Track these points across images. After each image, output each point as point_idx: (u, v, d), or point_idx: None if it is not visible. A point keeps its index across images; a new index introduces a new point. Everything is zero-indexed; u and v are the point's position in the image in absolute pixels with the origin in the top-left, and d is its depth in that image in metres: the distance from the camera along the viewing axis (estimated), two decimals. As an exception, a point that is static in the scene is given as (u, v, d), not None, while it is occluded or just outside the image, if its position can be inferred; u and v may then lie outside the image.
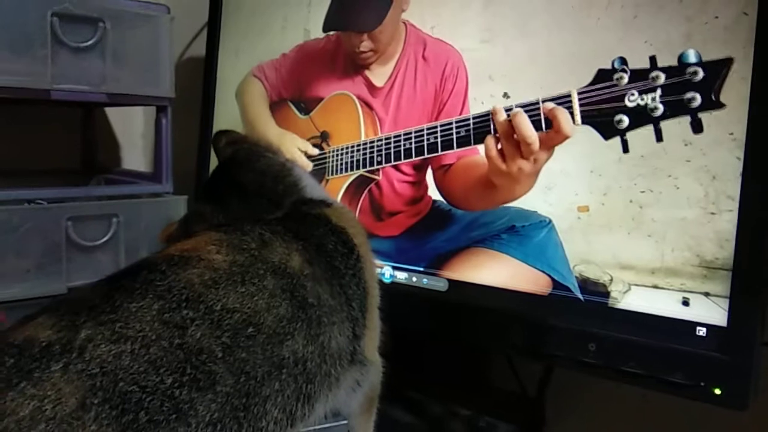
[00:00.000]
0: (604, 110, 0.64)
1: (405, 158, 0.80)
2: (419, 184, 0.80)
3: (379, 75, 0.84)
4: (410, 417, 0.83)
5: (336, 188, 0.88)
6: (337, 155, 0.89)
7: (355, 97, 0.87)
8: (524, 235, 0.70)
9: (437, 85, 0.78)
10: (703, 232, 0.59)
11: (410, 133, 0.80)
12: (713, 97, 0.57)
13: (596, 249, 0.65)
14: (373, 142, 0.84)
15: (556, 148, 0.67)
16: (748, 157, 0.56)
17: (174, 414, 0.39)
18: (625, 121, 0.62)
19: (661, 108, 0.60)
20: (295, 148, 0.94)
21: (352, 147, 0.87)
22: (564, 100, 0.66)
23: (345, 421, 0.64)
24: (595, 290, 0.65)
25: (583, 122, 0.65)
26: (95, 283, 0.45)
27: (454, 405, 0.86)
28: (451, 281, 0.76)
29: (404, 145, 0.80)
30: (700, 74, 0.58)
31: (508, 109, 0.70)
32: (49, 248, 0.83)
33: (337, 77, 0.89)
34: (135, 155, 1.22)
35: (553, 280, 0.68)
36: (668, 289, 0.61)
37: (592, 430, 0.91)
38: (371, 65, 0.85)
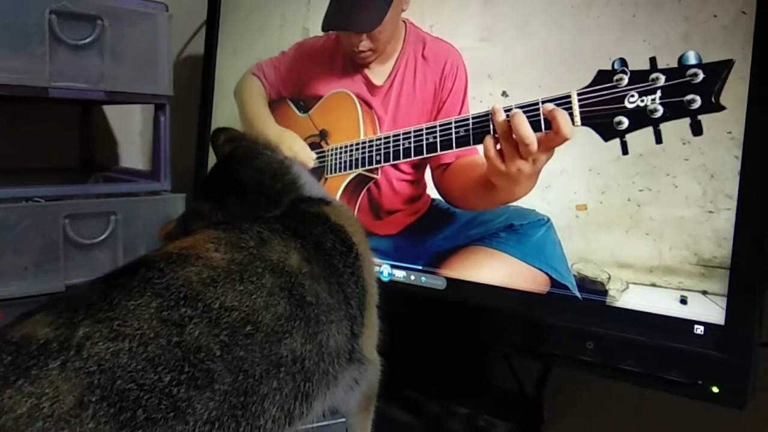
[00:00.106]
0: (604, 112, 0.64)
1: (404, 158, 0.80)
2: (418, 182, 0.80)
3: (378, 73, 0.84)
4: (408, 416, 0.83)
5: (335, 187, 0.88)
6: (336, 154, 0.89)
7: (354, 96, 0.87)
8: (522, 233, 0.70)
9: (436, 83, 0.78)
10: (701, 231, 0.59)
11: (409, 132, 0.80)
12: (713, 100, 0.57)
13: (594, 247, 0.65)
14: (372, 141, 0.84)
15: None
16: (746, 155, 0.56)
17: (172, 412, 0.39)
18: (625, 122, 0.62)
19: (660, 110, 0.60)
20: (295, 146, 0.94)
21: (351, 146, 0.87)
22: (564, 101, 0.66)
23: (343, 419, 0.64)
24: (593, 288, 0.65)
25: (583, 123, 0.65)
26: (93, 280, 0.45)
27: (452, 403, 0.86)
28: (449, 280, 0.76)
29: (403, 144, 0.80)
30: (700, 76, 0.58)
31: (507, 109, 0.70)
32: (46, 246, 0.83)
33: (336, 75, 0.89)
34: (133, 153, 1.22)
35: (551, 278, 0.68)
36: (666, 288, 0.61)
37: (589, 428, 0.91)
38: (370, 64, 0.85)
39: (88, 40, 0.85)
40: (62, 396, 0.36)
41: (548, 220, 0.68)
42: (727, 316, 0.57)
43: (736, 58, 0.56)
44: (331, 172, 0.89)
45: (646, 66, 0.61)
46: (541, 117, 0.67)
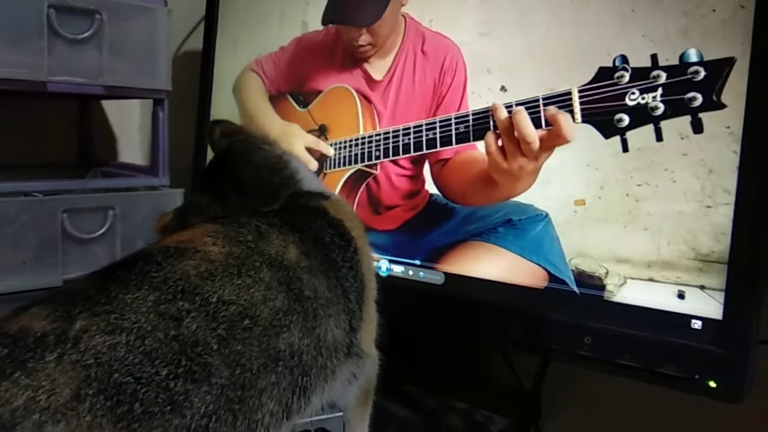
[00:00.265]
0: (605, 109, 0.64)
1: (403, 153, 0.80)
2: (416, 178, 0.80)
3: (377, 68, 0.84)
4: (406, 410, 0.83)
5: (334, 182, 0.88)
6: (336, 149, 0.89)
7: (353, 91, 0.87)
8: (521, 228, 0.70)
9: (436, 78, 0.78)
10: (699, 226, 0.59)
11: (409, 128, 0.80)
12: (714, 98, 0.57)
13: (592, 242, 0.65)
14: (371, 136, 0.84)
15: (555, 145, 0.67)
16: (744, 150, 0.56)
17: (169, 406, 0.39)
18: (626, 120, 0.62)
19: (661, 107, 0.60)
20: (299, 139, 0.93)
21: (351, 141, 0.86)
22: (564, 99, 0.66)
23: (341, 414, 0.64)
24: (591, 283, 0.65)
25: (584, 121, 0.65)
26: (90, 274, 0.45)
27: (450, 398, 0.86)
28: (447, 275, 0.76)
29: (403, 140, 0.80)
30: (702, 74, 0.58)
31: (507, 105, 0.70)
32: (45, 240, 0.83)
33: (335, 70, 0.89)
34: (132, 148, 1.22)
35: (549, 273, 0.68)
36: (664, 283, 0.61)
37: (587, 423, 0.91)
38: (370, 58, 0.85)
39: (86, 34, 0.85)
40: (59, 389, 0.36)
41: (546, 215, 0.68)
42: (724, 311, 0.57)
43: (735, 53, 0.56)
44: (330, 167, 0.89)
45: (647, 63, 0.61)
46: (542, 116, 0.67)
